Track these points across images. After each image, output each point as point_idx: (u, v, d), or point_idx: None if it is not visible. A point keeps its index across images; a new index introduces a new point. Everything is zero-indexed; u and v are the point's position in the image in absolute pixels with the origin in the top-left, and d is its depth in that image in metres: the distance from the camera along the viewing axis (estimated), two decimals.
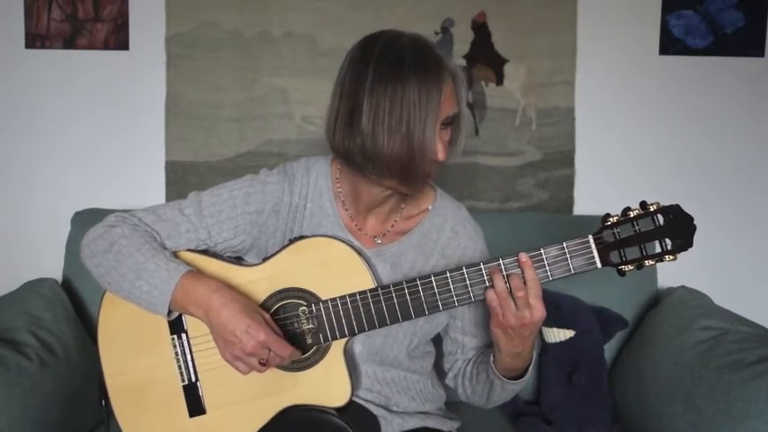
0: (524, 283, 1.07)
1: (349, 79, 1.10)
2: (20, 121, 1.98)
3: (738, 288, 2.04)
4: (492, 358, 1.19)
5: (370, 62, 1.08)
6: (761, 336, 1.47)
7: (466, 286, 1.11)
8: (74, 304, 1.72)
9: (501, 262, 1.09)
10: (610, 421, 1.63)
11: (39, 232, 1.99)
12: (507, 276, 1.08)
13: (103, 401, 1.22)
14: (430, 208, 1.27)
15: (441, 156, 1.11)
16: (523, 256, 1.08)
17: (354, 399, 1.22)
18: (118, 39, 1.96)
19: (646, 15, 2.02)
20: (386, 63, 1.07)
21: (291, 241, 1.18)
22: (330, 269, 1.15)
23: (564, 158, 2.03)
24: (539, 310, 1.08)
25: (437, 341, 1.37)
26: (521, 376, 1.20)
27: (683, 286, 1.78)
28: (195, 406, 1.19)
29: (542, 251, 1.09)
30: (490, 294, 1.09)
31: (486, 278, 1.10)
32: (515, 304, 1.08)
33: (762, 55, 2.03)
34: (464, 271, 1.11)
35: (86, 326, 1.69)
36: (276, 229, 1.22)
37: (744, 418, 1.26)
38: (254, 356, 1.08)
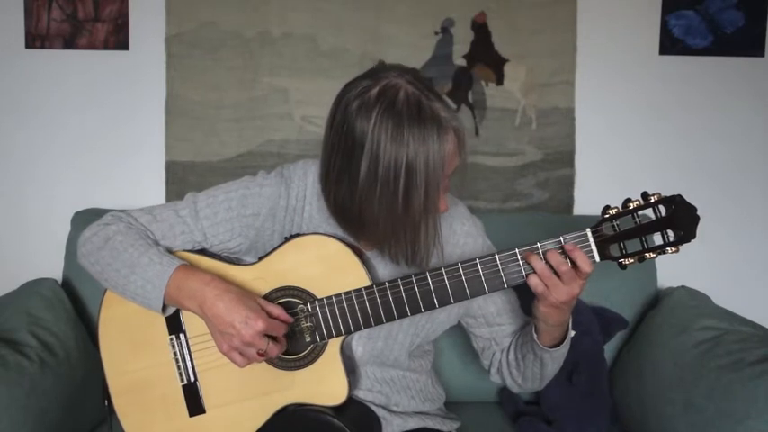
0: (573, 264, 1.05)
1: (344, 144, 1.05)
2: (20, 121, 1.98)
3: (738, 288, 2.03)
4: (534, 335, 1.17)
5: (366, 132, 1.02)
6: (761, 336, 1.47)
7: (461, 282, 1.10)
8: (74, 304, 1.72)
9: (497, 256, 1.08)
10: (610, 421, 1.62)
11: (38, 232, 1.99)
12: (544, 255, 1.06)
13: (106, 401, 1.22)
14: None
15: (443, 208, 1.10)
16: (569, 245, 1.05)
17: (355, 399, 1.21)
18: (118, 39, 1.96)
19: (646, 15, 2.01)
20: (384, 134, 1.02)
21: (287, 239, 1.17)
22: (325, 267, 1.14)
23: (564, 158, 2.03)
24: (586, 268, 1.05)
25: (437, 339, 1.36)
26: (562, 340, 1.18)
27: (683, 286, 1.78)
28: (195, 405, 1.19)
29: (539, 245, 1.07)
30: (533, 280, 1.06)
31: (481, 273, 1.09)
32: (562, 280, 1.06)
33: (762, 55, 2.03)
34: (459, 266, 1.10)
35: (86, 326, 1.70)
36: (273, 232, 1.20)
37: (744, 419, 1.26)
38: (253, 347, 1.07)
